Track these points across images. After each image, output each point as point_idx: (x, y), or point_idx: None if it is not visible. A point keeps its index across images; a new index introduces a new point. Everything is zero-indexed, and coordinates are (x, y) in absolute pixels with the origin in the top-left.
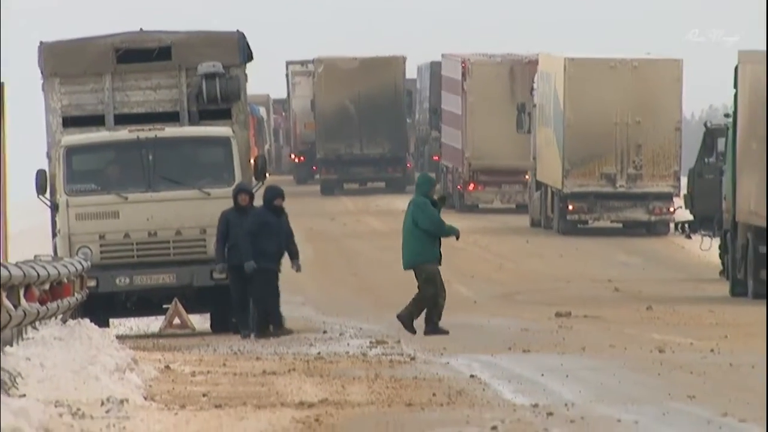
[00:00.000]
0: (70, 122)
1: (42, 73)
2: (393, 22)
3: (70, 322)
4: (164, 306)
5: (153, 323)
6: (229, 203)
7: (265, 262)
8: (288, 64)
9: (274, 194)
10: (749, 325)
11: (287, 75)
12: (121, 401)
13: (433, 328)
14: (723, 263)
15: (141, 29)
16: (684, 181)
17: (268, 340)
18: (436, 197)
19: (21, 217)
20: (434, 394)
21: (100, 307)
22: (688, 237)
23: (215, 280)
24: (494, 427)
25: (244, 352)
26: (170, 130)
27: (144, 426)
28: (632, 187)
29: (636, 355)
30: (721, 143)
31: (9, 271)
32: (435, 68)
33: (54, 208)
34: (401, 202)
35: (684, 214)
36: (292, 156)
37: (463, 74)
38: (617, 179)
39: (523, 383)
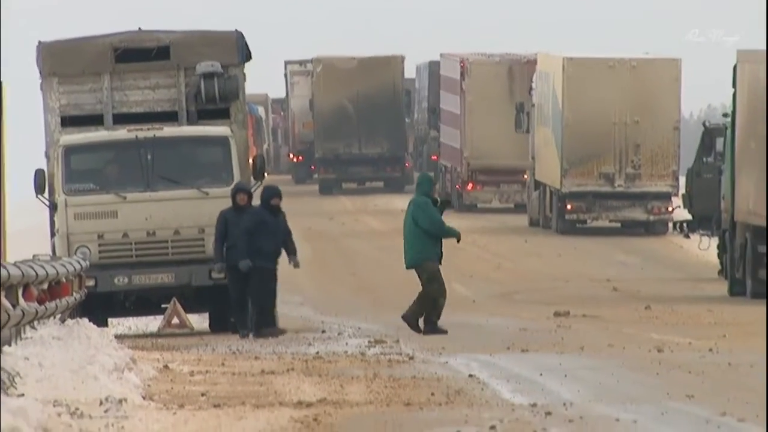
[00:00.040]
0: (69, 122)
1: (40, 72)
2: (391, 22)
3: (69, 321)
4: (163, 305)
5: (151, 323)
6: (228, 203)
7: (261, 261)
8: (286, 63)
9: (271, 194)
10: (748, 324)
11: (286, 74)
12: (120, 401)
13: (431, 327)
14: (721, 263)
15: (139, 29)
16: (682, 180)
17: (267, 339)
18: (438, 200)
19: (19, 217)
20: (433, 394)
21: (98, 307)
22: (687, 236)
23: (214, 280)
24: (493, 427)
25: (243, 351)
26: (169, 130)
27: (142, 425)
28: (631, 187)
29: (634, 355)
30: (719, 143)
31: (7, 271)
32: (433, 68)
33: (52, 207)
34: (400, 202)
35: (682, 214)
36: (291, 155)
37: (462, 74)
38: (616, 179)
39: (522, 383)
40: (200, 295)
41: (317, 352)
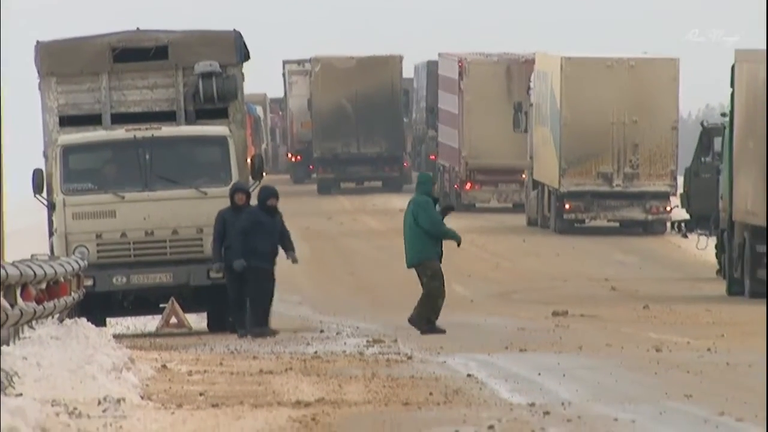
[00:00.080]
0: (67, 121)
1: (38, 72)
2: (390, 22)
3: (67, 321)
4: (161, 305)
5: (150, 322)
6: (226, 202)
7: (257, 261)
8: (285, 63)
9: (267, 194)
10: (746, 324)
11: (284, 74)
12: (118, 400)
13: (430, 327)
14: (719, 262)
15: (138, 28)
16: (681, 180)
17: (265, 339)
18: (439, 198)
19: (18, 216)
20: (431, 393)
21: (97, 307)
22: (685, 236)
23: (212, 280)
24: (491, 427)
25: (241, 351)
26: (167, 130)
27: (141, 425)
28: (629, 187)
29: (633, 354)
30: (717, 142)
31: (6, 271)
32: (432, 67)
33: (51, 207)
34: (398, 201)
35: (681, 214)
36: (289, 155)
37: (460, 73)
38: (614, 178)
39: (520, 382)
40: (198, 295)
41: (315, 352)
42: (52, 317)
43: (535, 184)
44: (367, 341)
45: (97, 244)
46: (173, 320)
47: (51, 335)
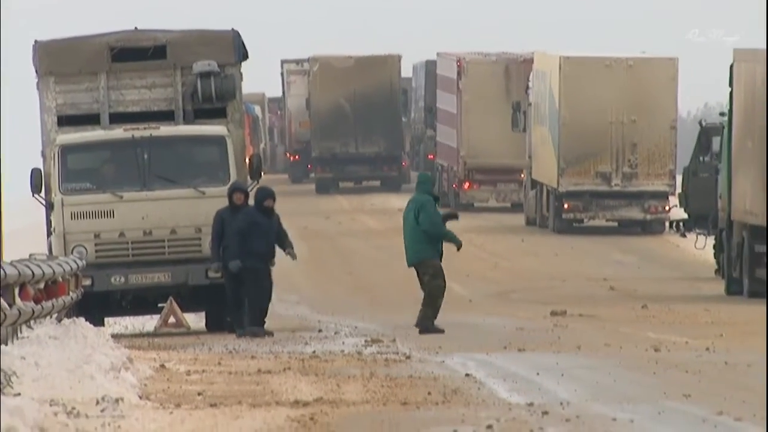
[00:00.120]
0: (65, 121)
1: (37, 72)
2: (388, 21)
3: (65, 321)
4: (159, 305)
5: (148, 322)
6: (224, 202)
7: (253, 262)
8: (283, 62)
9: (264, 195)
10: (745, 323)
11: (282, 74)
12: (116, 400)
13: (429, 326)
14: (718, 262)
15: (136, 28)
16: (679, 179)
17: (263, 338)
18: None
19: (16, 216)
20: (429, 393)
21: (95, 306)
22: (683, 235)
23: (210, 279)
24: (489, 426)
25: (239, 350)
26: (165, 129)
27: (139, 425)
28: (627, 186)
29: (631, 354)
30: (716, 142)
31: (4, 270)
32: (430, 67)
33: (49, 206)
34: (396, 201)
35: (679, 213)
36: (288, 155)
37: (459, 73)
38: (612, 178)
39: (519, 382)
40: (197, 295)
41: (314, 352)
42: (51, 317)
43: (534, 183)
44: (366, 341)
45: (96, 244)
46: (171, 320)
47: (49, 335)
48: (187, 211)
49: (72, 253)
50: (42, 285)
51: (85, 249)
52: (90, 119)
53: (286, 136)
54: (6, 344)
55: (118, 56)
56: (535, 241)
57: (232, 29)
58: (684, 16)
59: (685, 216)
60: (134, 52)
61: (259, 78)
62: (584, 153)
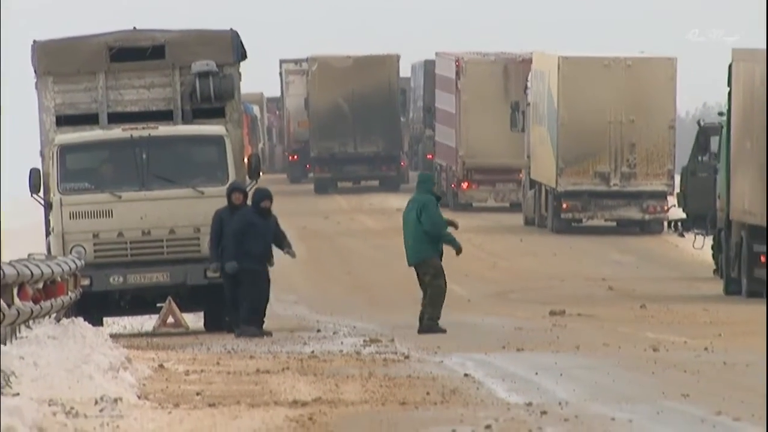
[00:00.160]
0: (64, 121)
1: (35, 71)
2: (387, 21)
3: (64, 320)
4: (158, 305)
5: (147, 322)
6: (223, 202)
7: (250, 263)
8: (282, 62)
9: (261, 196)
10: (743, 323)
11: (281, 73)
12: (115, 400)
13: (428, 326)
14: (716, 262)
15: (134, 28)
16: (678, 179)
17: (262, 338)
18: (440, 197)
19: (15, 216)
20: (428, 393)
21: (93, 306)
22: (681, 235)
23: (209, 279)
24: (488, 426)
25: (238, 350)
26: (164, 129)
27: (138, 425)
28: (626, 186)
29: (630, 354)
30: (714, 141)
31: (3, 270)
32: (429, 67)
33: (47, 206)
34: (395, 201)
35: (677, 213)
36: (286, 154)
37: (457, 73)
38: (611, 178)
39: (517, 382)
40: (195, 295)
41: (312, 351)
42: (49, 317)
43: (532, 183)
44: (364, 341)
45: (94, 244)
46: (170, 320)
47: (48, 335)
48: (186, 211)
49: (71, 253)
50: (41, 285)
51: (84, 249)
52: (88, 119)
53: (284, 135)
54: (5, 344)
55: (116, 56)
56: (533, 241)
57: (231, 29)
58: (684, 16)
59: (684, 216)
60: (133, 52)
61: (257, 78)
62: (583, 153)
